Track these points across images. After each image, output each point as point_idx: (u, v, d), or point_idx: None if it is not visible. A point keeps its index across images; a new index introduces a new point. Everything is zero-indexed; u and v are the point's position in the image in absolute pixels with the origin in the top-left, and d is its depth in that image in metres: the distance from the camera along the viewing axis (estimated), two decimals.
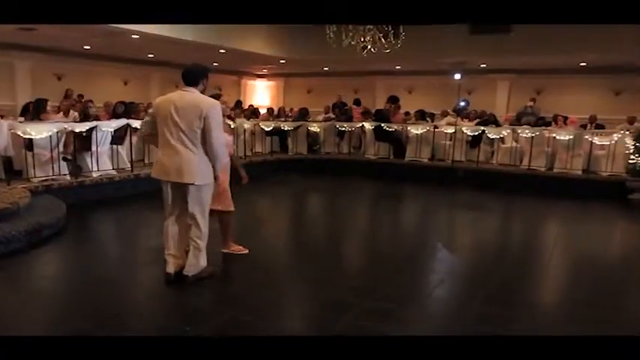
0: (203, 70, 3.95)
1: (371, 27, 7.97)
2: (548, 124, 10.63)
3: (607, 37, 10.34)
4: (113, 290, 4.01)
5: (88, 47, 11.68)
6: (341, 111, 12.98)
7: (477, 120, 11.53)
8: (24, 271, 4.44)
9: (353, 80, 16.43)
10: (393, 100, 11.76)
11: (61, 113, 9.11)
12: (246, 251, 4.85)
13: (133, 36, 9.91)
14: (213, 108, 3.75)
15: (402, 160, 10.98)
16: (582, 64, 12.51)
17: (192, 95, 3.80)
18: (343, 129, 11.66)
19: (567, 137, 9.37)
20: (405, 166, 10.84)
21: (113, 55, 13.02)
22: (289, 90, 18.46)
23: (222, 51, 11.83)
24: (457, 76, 9.89)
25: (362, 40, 8.08)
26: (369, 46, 8.16)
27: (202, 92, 3.93)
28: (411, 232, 6.79)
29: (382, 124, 11.01)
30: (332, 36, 8.04)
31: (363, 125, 11.45)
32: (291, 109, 14.30)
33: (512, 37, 10.82)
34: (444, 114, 12.69)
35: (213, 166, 3.87)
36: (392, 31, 8.03)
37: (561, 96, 13.67)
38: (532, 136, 9.68)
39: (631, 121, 10.58)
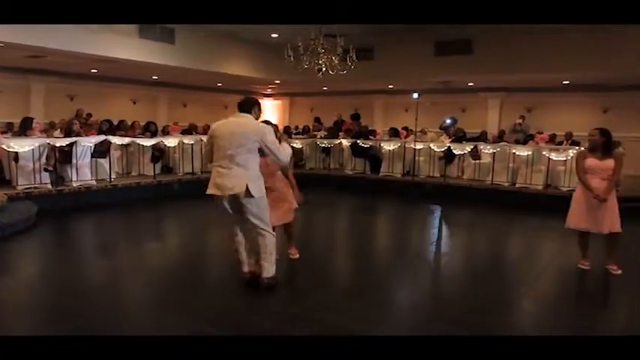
0: (254, 102, 4.49)
1: (323, 50, 8.65)
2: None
3: (579, 55, 10.68)
4: (55, 286, 4.61)
5: (95, 70, 12.85)
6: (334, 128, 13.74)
7: (453, 137, 11.91)
8: None
9: (353, 99, 17.08)
10: (355, 117, 12.35)
11: (59, 129, 10.19)
12: (297, 256, 5.38)
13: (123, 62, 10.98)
14: (265, 129, 4.27)
15: (377, 175, 11.50)
16: (565, 82, 12.72)
17: (247, 119, 4.28)
18: (324, 145, 12.30)
19: (526, 153, 9.66)
20: (378, 181, 11.36)
21: (120, 77, 14.17)
22: (294, 109, 19.34)
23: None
24: (415, 96, 10.36)
25: (317, 62, 8.75)
26: (323, 69, 8.82)
27: (256, 119, 4.45)
28: (365, 245, 6.86)
29: (358, 141, 11.59)
30: (292, 60, 8.74)
31: (341, 142, 12.06)
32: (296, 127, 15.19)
33: (475, 56, 11.27)
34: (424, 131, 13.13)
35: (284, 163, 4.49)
36: (342, 55, 8.66)
37: (551, 113, 13.89)
38: (494, 152, 10.01)
39: None
